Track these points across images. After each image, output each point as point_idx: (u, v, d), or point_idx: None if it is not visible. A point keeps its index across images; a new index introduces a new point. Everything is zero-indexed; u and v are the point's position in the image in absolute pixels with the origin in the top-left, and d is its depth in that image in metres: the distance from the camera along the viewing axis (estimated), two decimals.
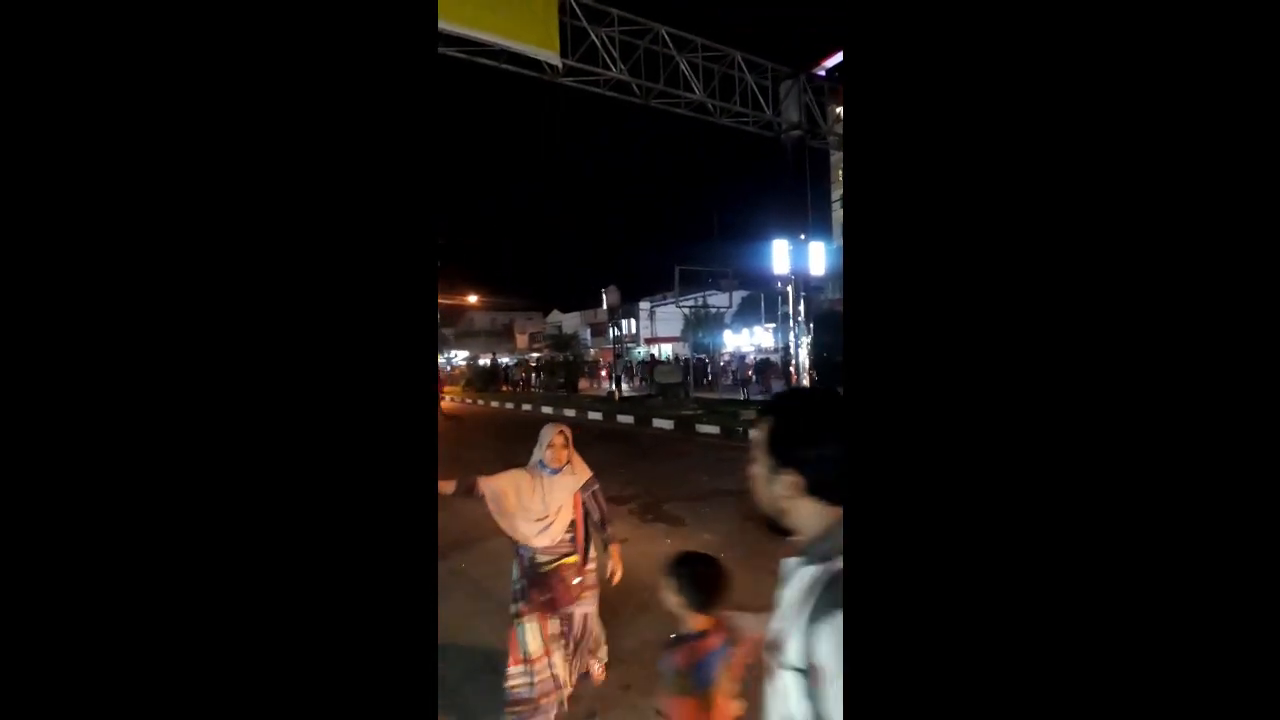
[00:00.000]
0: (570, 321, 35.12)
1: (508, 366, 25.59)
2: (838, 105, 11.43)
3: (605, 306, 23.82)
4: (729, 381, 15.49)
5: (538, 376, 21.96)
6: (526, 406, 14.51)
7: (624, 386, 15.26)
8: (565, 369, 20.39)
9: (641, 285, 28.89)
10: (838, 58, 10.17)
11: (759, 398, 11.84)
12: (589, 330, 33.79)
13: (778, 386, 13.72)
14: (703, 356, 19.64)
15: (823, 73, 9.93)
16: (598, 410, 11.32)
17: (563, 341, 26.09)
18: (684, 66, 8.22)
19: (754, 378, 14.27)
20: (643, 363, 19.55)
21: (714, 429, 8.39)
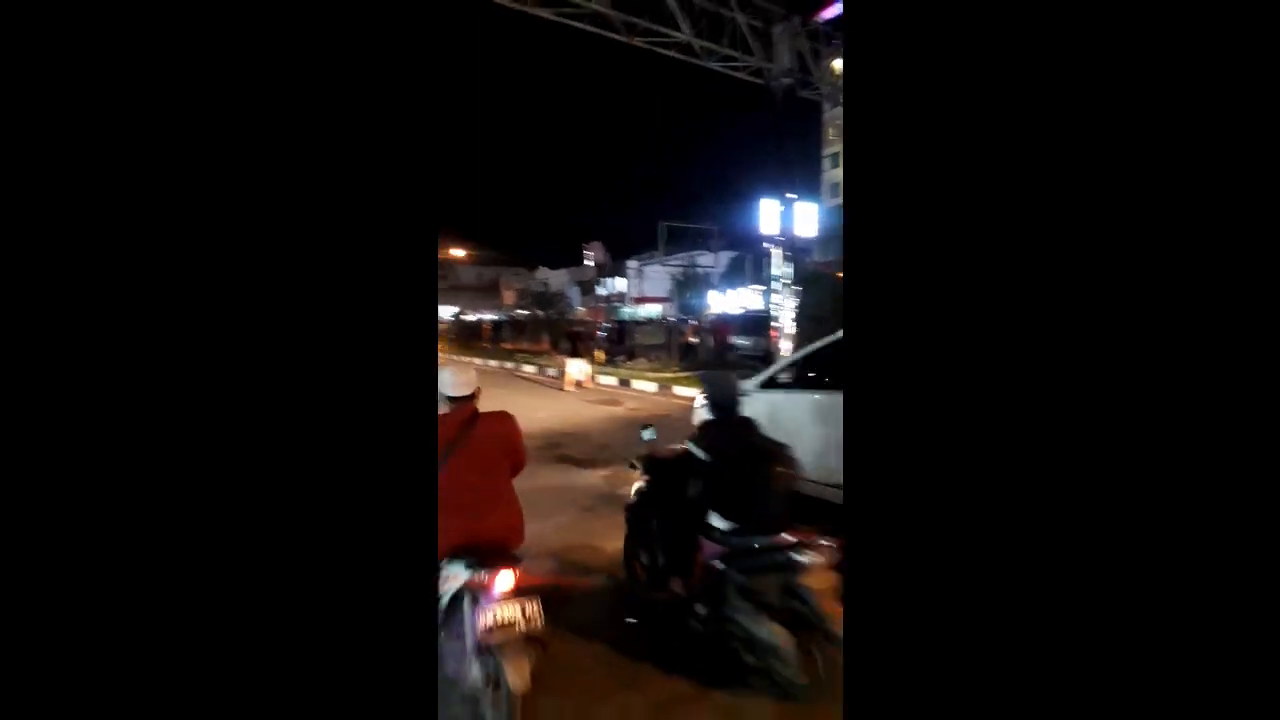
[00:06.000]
0: (558, 279, 34.54)
1: (496, 323, 25.02)
2: (834, 59, 10.85)
3: (588, 263, 23.30)
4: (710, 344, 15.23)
5: (518, 335, 21.55)
6: (509, 364, 14.30)
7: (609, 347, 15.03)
8: (548, 328, 20.02)
9: (631, 244, 28.39)
10: (837, 8, 9.55)
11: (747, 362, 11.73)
12: (577, 288, 33.31)
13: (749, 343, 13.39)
14: (689, 318, 19.39)
15: (821, 20, 9.36)
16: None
17: (546, 299, 25.63)
18: (670, 1, 7.65)
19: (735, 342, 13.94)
20: (620, 322, 19.15)
21: (691, 391, 8.26)
